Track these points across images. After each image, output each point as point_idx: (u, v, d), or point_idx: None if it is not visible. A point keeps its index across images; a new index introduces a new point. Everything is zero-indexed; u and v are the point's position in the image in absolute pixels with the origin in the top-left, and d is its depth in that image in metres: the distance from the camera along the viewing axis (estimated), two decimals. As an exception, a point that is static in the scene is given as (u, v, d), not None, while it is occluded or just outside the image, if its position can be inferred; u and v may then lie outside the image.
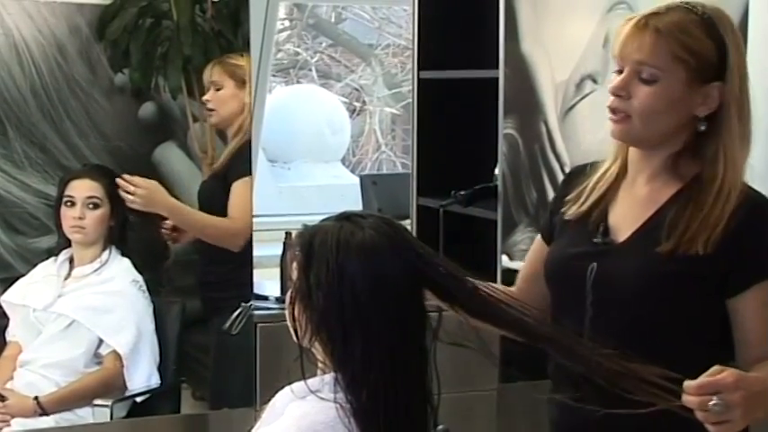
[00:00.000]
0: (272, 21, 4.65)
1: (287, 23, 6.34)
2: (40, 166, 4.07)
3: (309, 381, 1.71)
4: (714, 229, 1.91)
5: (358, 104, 6.50)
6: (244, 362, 3.45)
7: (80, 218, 3.42)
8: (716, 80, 1.95)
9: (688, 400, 1.73)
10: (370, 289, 1.65)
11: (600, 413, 1.88)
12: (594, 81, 3.58)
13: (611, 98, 1.98)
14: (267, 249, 3.75)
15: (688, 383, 1.73)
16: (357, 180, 4.74)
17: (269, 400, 1.81)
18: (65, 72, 4.11)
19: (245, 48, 3.71)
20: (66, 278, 3.44)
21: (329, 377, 1.68)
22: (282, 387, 1.78)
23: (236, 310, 3.37)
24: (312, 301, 1.67)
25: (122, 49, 4.18)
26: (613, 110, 1.98)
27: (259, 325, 3.43)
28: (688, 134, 1.98)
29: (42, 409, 3.27)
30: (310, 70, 6.40)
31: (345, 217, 1.73)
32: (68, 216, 3.44)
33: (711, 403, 1.72)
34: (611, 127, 2.00)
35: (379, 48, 6.52)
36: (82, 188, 3.46)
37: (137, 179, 3.52)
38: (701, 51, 1.94)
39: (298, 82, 6.32)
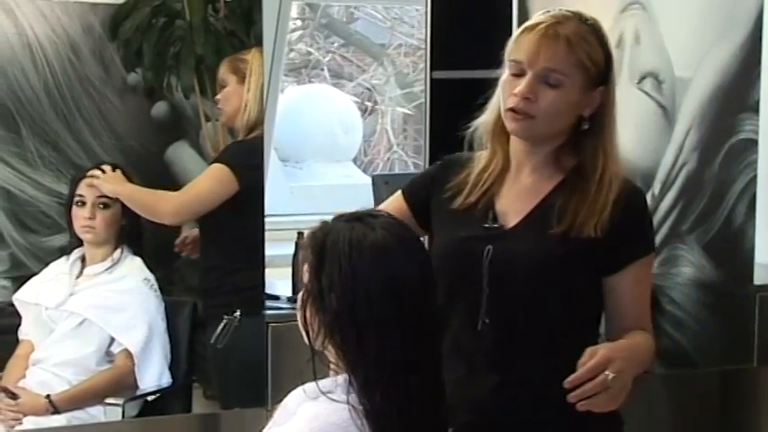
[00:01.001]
0: (285, 20, 4.65)
1: (299, 23, 6.34)
2: (53, 164, 4.08)
3: (322, 382, 1.70)
4: (601, 214, 2.12)
5: (370, 104, 6.50)
6: (255, 361, 3.44)
7: (90, 218, 3.42)
8: (601, 85, 2.18)
9: (578, 393, 2.00)
10: (383, 289, 1.64)
11: (491, 386, 2.13)
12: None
13: (515, 99, 2.14)
14: (279, 249, 3.75)
15: (571, 379, 2.00)
16: (369, 180, 4.73)
17: (281, 400, 1.81)
18: (78, 71, 4.11)
19: (257, 47, 3.69)
20: (77, 277, 3.44)
21: (342, 378, 1.68)
22: (295, 387, 1.78)
23: (236, 317, 3.37)
24: (324, 303, 1.67)
25: (135, 49, 4.18)
26: (517, 110, 2.14)
27: (271, 325, 3.42)
28: (570, 131, 2.19)
29: (54, 407, 3.27)
30: (322, 70, 6.40)
31: (356, 217, 1.73)
32: (79, 216, 3.44)
33: (610, 378, 1.98)
34: (512, 125, 2.17)
35: (391, 47, 6.51)
36: (92, 188, 3.44)
37: (104, 166, 3.53)
38: (598, 59, 2.17)
39: (310, 81, 6.32)
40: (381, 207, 2.38)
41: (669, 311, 3.37)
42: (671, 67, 3.49)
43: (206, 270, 3.59)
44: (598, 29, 2.19)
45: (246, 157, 3.48)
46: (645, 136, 3.43)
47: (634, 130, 3.38)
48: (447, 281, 2.18)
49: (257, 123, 3.51)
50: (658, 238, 3.31)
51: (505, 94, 2.18)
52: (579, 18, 2.18)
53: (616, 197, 2.15)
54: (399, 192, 2.39)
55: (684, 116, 3.54)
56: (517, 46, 2.18)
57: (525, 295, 2.14)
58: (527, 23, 2.19)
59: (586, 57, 2.14)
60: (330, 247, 1.68)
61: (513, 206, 2.21)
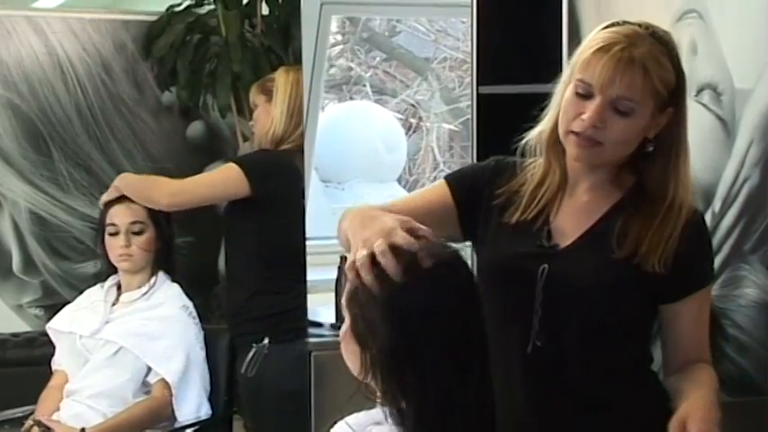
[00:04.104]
0: (324, 35, 4.67)
1: (339, 38, 6.36)
2: (86, 188, 4.13)
3: (371, 412, 1.72)
4: (666, 245, 2.12)
5: (414, 121, 6.50)
6: (295, 391, 3.45)
7: (126, 245, 3.43)
8: (670, 106, 2.15)
9: None
10: (424, 325, 1.66)
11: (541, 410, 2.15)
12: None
13: (582, 125, 2.11)
14: (321, 273, 3.75)
15: None
16: (414, 200, 4.72)
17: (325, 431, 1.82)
18: (110, 91, 4.16)
19: (296, 64, 3.71)
20: (113, 304, 3.46)
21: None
22: (339, 418, 1.79)
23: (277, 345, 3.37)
24: (365, 342, 1.69)
25: (169, 67, 4.23)
26: (586, 137, 2.12)
27: (313, 353, 3.42)
28: (634, 153, 2.18)
29: (89, 440, 3.30)
30: (364, 86, 6.41)
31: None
32: (114, 245, 3.45)
33: None
34: (575, 150, 2.15)
35: (435, 61, 6.52)
36: (124, 214, 3.45)
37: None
38: (670, 82, 2.13)
39: (351, 98, 6.33)
40: (420, 195, 2.39)
41: (732, 335, 3.35)
42: (730, 79, 3.47)
43: (234, 293, 3.60)
44: (671, 46, 2.15)
45: (267, 164, 3.47)
46: (703, 151, 3.41)
47: (692, 145, 3.37)
48: (498, 300, 2.17)
49: (285, 137, 3.48)
50: (719, 258, 3.29)
51: (569, 116, 2.15)
52: (653, 35, 2.13)
53: (684, 226, 2.13)
54: (443, 183, 2.33)
55: (745, 129, 3.52)
56: (587, 66, 2.13)
57: (578, 318, 2.14)
58: (600, 43, 2.14)
59: (660, 82, 2.11)
60: (364, 293, 1.70)
61: (569, 224, 2.19)
